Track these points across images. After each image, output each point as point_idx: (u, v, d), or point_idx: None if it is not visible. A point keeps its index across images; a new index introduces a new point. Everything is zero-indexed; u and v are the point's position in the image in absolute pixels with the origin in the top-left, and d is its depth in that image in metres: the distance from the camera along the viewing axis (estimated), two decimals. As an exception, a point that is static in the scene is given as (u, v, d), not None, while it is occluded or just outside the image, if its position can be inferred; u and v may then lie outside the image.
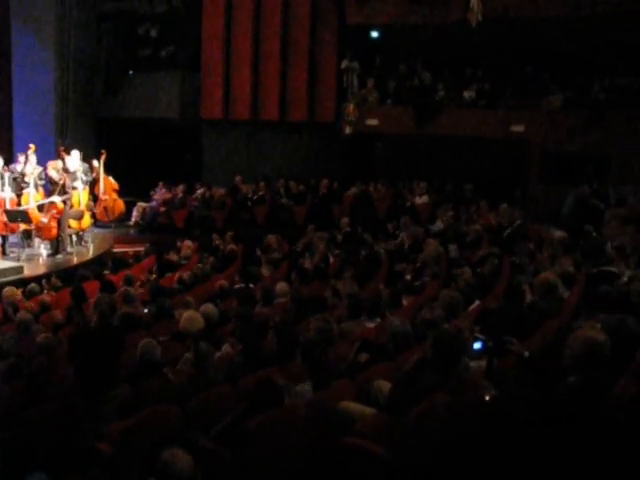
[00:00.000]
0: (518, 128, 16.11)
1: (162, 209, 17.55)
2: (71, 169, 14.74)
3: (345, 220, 14.36)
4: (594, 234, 10.95)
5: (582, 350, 3.84)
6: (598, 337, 3.93)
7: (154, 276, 12.60)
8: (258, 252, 12.85)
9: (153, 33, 19.28)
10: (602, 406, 3.69)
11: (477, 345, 4.39)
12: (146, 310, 9.09)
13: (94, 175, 15.76)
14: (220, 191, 17.68)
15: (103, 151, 16.10)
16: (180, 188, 17.78)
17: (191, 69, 19.09)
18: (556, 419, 3.54)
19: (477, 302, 7.52)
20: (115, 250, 15.87)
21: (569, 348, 3.90)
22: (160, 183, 18.05)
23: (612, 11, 14.55)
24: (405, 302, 7.94)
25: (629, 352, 4.49)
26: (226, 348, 6.90)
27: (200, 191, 17.77)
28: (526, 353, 4.49)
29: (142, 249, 14.79)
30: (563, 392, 3.80)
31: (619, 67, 16.23)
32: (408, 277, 9.14)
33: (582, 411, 3.59)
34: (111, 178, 16.44)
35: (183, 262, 13.19)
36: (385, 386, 4.85)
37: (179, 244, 14.16)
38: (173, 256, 13.52)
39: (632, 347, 4.51)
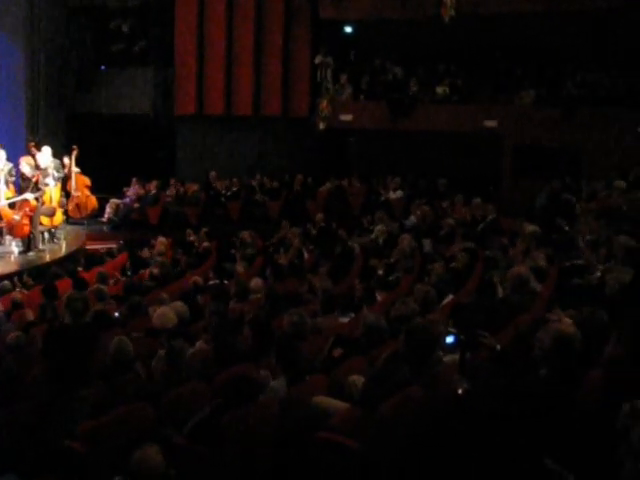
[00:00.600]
0: (491, 123, 16.22)
1: (135, 205, 17.44)
2: (42, 165, 14.58)
3: (319, 216, 14.37)
4: (566, 228, 11.04)
5: (552, 343, 3.88)
6: (568, 330, 3.97)
7: (128, 273, 12.55)
8: (232, 248, 12.81)
9: (125, 28, 19.12)
10: (572, 397, 3.73)
11: (449, 339, 4.41)
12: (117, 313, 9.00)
13: (66, 171, 15.61)
14: (194, 187, 17.60)
15: (74, 147, 15.97)
16: (153, 184, 17.68)
17: (164, 64, 18.98)
18: (526, 411, 3.57)
19: (450, 296, 7.56)
20: (88, 247, 15.74)
21: (540, 341, 3.93)
22: (133, 179, 17.92)
23: (582, 8, 14.68)
24: (379, 297, 7.96)
25: (599, 344, 4.53)
26: (200, 344, 6.88)
27: (173, 187, 17.67)
28: (498, 346, 4.52)
29: (115, 246, 14.70)
30: (534, 385, 3.83)
31: (590, 63, 16.39)
32: (381, 272, 9.15)
33: (552, 403, 3.62)
34: (83, 174, 16.30)
35: (157, 259, 13.12)
36: (359, 381, 4.85)
37: (153, 241, 14.09)
38: (146, 253, 13.45)
39: (602, 339, 4.55)
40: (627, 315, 4.66)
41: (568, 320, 4.53)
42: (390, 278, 8.79)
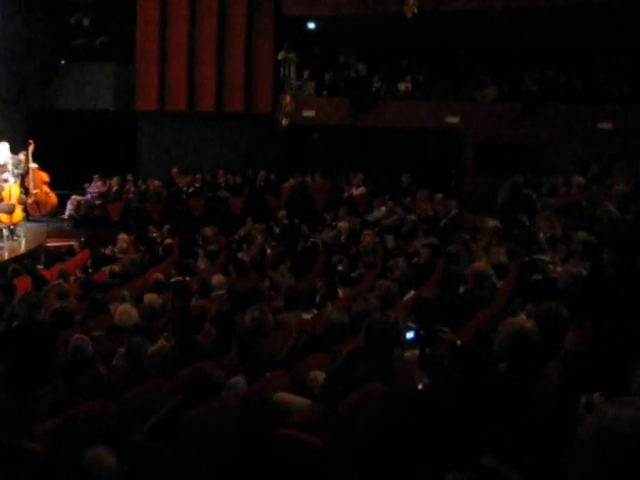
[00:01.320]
0: (453, 119, 16.33)
1: (97, 202, 17.25)
2: (0, 162, 14.35)
3: (282, 212, 14.35)
4: (527, 223, 11.14)
5: (511, 338, 3.91)
6: (526, 325, 4.01)
7: (89, 270, 12.41)
8: (195, 245, 12.75)
9: (86, 22, 18.84)
10: (530, 391, 3.77)
11: (410, 334, 4.43)
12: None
13: (24, 167, 15.39)
14: (156, 183, 17.45)
15: (30, 141, 15.71)
16: (115, 180, 17.49)
17: (125, 60, 18.76)
18: (485, 405, 3.60)
19: (412, 292, 7.59)
20: (48, 244, 15.53)
21: (499, 336, 3.97)
22: (95, 176, 17.72)
23: (541, 6, 14.84)
24: (342, 293, 7.97)
25: (558, 338, 4.58)
26: (161, 341, 6.84)
27: (132, 183, 17.51)
28: (458, 341, 4.55)
29: (76, 243, 14.53)
30: (492, 379, 3.86)
31: (550, 61, 16.59)
32: (342, 268, 9.16)
33: (511, 397, 3.65)
34: (41, 170, 16.08)
35: (119, 256, 13.00)
36: (320, 377, 4.86)
37: (115, 238, 13.96)
38: (108, 250, 13.32)
39: (560, 333, 4.61)
40: (585, 310, 4.72)
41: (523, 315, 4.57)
42: (352, 274, 8.81)
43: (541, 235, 9.60)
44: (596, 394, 2.93)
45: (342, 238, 11.48)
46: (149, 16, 18.23)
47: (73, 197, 17.46)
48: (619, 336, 3.92)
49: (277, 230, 13.35)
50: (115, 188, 17.37)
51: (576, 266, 6.29)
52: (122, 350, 6.17)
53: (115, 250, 13.36)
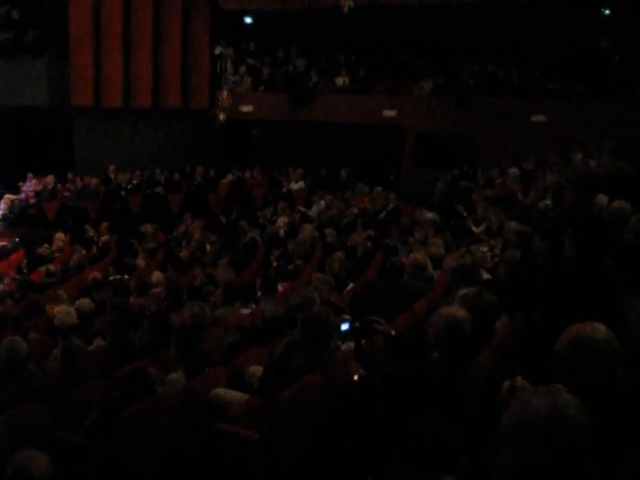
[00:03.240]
0: (390, 113, 16.47)
1: (32, 201, 16.87)
2: None
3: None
4: (464, 215, 11.31)
5: (443, 326, 3.96)
6: (458, 313, 4.06)
7: (24, 271, 12.17)
8: (133, 242, 12.59)
9: (15, 15, 18.35)
10: (463, 377, 3.83)
11: (344, 326, 4.46)
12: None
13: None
14: (93, 181, 17.15)
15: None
16: (49, 178, 17.12)
17: (59, 54, 18.32)
18: (419, 393, 3.65)
19: (351, 284, 7.64)
20: (-19, 245, 15.14)
21: (431, 325, 4.01)
22: (29, 174, 17.32)
23: (479, 2, 15.08)
24: (280, 287, 7.98)
25: (489, 325, 4.66)
26: (98, 341, 6.76)
27: (70, 181, 17.19)
28: (393, 332, 4.60)
29: (10, 243, 14.20)
30: (427, 367, 3.92)
31: (486, 54, 16.86)
32: (281, 263, 9.17)
33: (444, 384, 3.71)
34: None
35: (55, 255, 12.78)
36: (258, 371, 4.86)
37: (51, 238, 13.71)
38: (44, 250, 13.06)
39: (492, 321, 4.69)
40: (515, 298, 4.81)
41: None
42: (290, 268, 8.82)
43: (477, 226, 9.77)
44: (518, 378, 2.99)
45: (281, 233, 11.48)
46: (82, 10, 17.87)
47: (7, 196, 17.05)
48: (548, 323, 4.00)
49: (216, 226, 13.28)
50: (50, 186, 17.01)
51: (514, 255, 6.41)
52: (57, 351, 6.07)
53: (51, 250, 13.11)
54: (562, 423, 2.00)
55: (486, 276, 6.12)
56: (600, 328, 2.86)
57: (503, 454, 2.07)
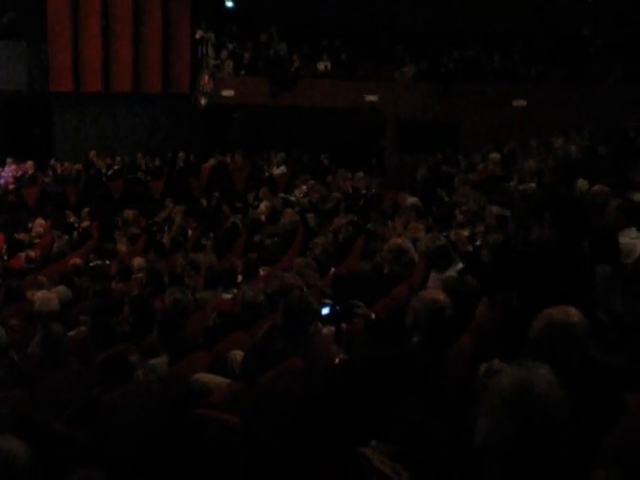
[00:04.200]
0: (372, 98, 16.45)
1: (11, 187, 16.72)
2: None
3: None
4: (446, 199, 11.36)
5: (424, 311, 3.98)
6: (438, 297, 4.08)
7: (4, 257, 12.10)
8: (115, 228, 12.55)
9: (-10, -2, 18.12)
10: (443, 362, 3.86)
11: (325, 310, 4.47)
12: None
13: None
14: (73, 166, 17.00)
15: None
16: (29, 164, 16.96)
17: (37, 38, 18.10)
18: (399, 377, 3.68)
19: (333, 269, 7.66)
20: (-40, 231, 15.00)
21: (411, 309, 4.04)
22: (8, 159, 17.15)
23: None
24: (262, 272, 7.98)
25: (470, 309, 4.70)
26: (80, 327, 6.74)
27: (51, 167, 17.05)
28: (373, 316, 4.62)
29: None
30: (406, 351, 3.94)
31: (467, 40, 16.87)
32: (263, 247, 9.14)
33: (424, 368, 3.74)
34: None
35: (35, 241, 12.71)
36: (240, 356, 4.87)
37: (30, 224, 13.62)
38: (24, 236, 12.98)
39: (472, 305, 4.72)
40: (495, 282, 4.84)
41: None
42: (272, 252, 8.81)
43: (458, 210, 9.81)
44: (496, 361, 3.02)
45: (263, 217, 11.48)
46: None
47: (-15, 182, 16.91)
48: (525, 306, 4.03)
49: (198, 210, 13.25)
50: (30, 172, 16.86)
51: (496, 238, 6.46)
52: (37, 338, 6.04)
53: (31, 236, 13.04)
54: (530, 396, 2.04)
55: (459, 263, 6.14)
56: (572, 312, 2.89)
57: (479, 426, 2.11)
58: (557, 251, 4.06)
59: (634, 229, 6.10)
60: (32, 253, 10.77)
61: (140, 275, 8.63)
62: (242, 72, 17.45)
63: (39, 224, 13.34)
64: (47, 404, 4.87)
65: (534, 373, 2.09)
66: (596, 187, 7.12)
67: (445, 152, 14.88)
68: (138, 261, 9.25)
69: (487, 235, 7.33)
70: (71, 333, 6.41)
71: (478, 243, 7.88)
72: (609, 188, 6.97)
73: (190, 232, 11.73)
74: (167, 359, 5.15)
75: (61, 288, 7.60)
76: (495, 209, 7.96)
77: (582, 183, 7.92)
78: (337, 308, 4.46)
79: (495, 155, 12.85)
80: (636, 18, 15.01)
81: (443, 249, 6.06)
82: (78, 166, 16.96)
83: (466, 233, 8.43)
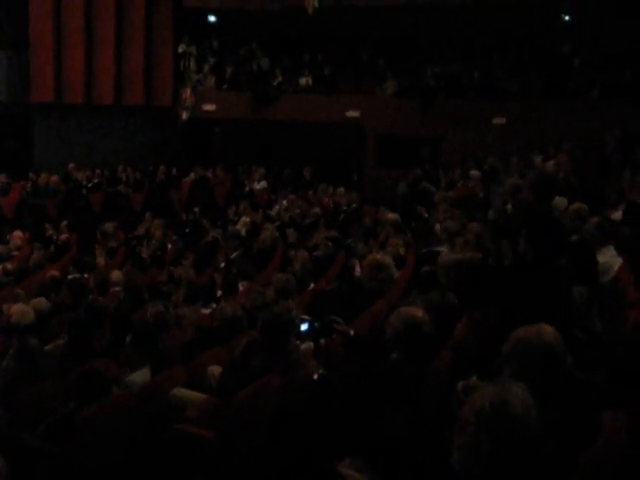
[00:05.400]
0: (353, 113, 16.52)
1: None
2: None
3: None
4: (426, 215, 11.38)
5: (402, 327, 3.98)
6: (417, 314, 4.09)
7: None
8: (94, 241, 12.47)
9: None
10: (421, 378, 3.86)
11: (304, 326, 4.47)
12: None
13: None
14: (52, 178, 16.87)
15: None
16: (3, 176, 16.77)
17: (18, 48, 18.00)
18: (377, 393, 3.68)
19: (312, 285, 7.65)
20: None
21: (390, 326, 4.04)
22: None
23: (443, 4, 15.20)
24: (241, 287, 7.96)
25: (450, 327, 4.71)
26: (57, 341, 6.68)
27: (31, 179, 16.91)
28: (351, 332, 4.62)
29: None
30: (385, 367, 3.94)
31: (448, 56, 17.01)
32: (243, 262, 9.14)
33: (402, 384, 3.74)
34: None
35: (13, 253, 12.59)
36: (218, 371, 4.85)
37: (8, 236, 13.50)
38: (1, 248, 12.86)
39: (452, 322, 4.74)
40: (473, 299, 4.86)
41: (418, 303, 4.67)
42: (253, 268, 8.80)
43: (438, 227, 9.84)
44: (473, 378, 3.03)
45: (243, 232, 11.46)
46: (43, 3, 17.56)
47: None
48: (505, 324, 4.05)
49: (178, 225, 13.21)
50: (5, 183, 16.63)
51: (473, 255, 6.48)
52: (13, 351, 5.98)
53: (9, 248, 12.91)
54: (505, 415, 2.04)
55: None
56: (545, 330, 2.90)
57: (456, 443, 2.11)
58: (534, 269, 4.08)
59: (611, 247, 6.15)
60: (9, 265, 10.66)
61: (118, 289, 8.57)
62: (224, 86, 17.47)
63: (17, 236, 13.21)
64: (23, 418, 4.83)
65: (509, 392, 2.10)
66: (574, 205, 7.18)
67: (425, 168, 14.94)
68: (116, 275, 9.19)
69: (466, 252, 7.37)
70: (49, 347, 6.36)
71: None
72: (586, 206, 7.03)
73: (170, 246, 11.69)
74: (145, 373, 5.12)
75: (40, 300, 7.52)
76: (474, 226, 7.98)
77: (560, 201, 7.98)
78: (316, 324, 4.45)
79: (475, 172, 12.90)
80: (614, 34, 15.22)
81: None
82: (55, 178, 16.81)
83: (444, 249, 8.46)
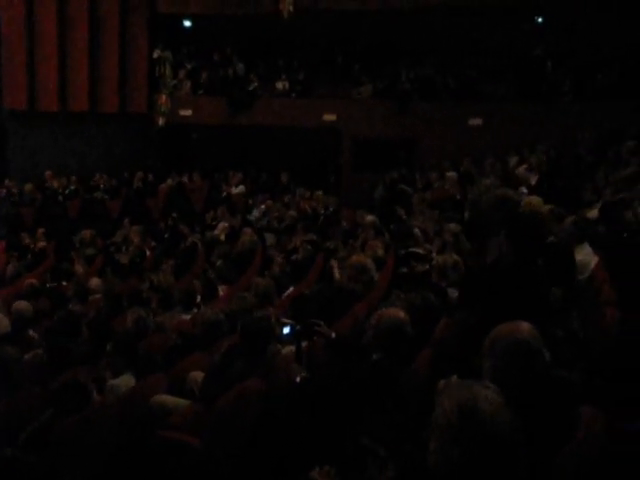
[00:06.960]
0: (330, 117, 16.57)
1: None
2: None
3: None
4: (404, 217, 11.44)
5: (383, 328, 4.00)
6: (398, 315, 4.11)
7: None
8: (71, 249, 12.39)
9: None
10: (402, 378, 3.88)
11: (286, 330, 4.48)
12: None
13: None
14: (28, 186, 16.71)
15: None
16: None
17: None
18: (359, 394, 3.69)
19: (291, 288, 7.66)
20: None
21: (371, 327, 4.05)
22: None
23: (418, 6, 15.28)
24: (221, 292, 7.95)
25: (430, 327, 4.74)
26: (36, 350, 6.62)
27: (6, 187, 16.76)
28: (333, 334, 4.63)
29: None
30: (366, 369, 3.95)
31: (423, 59, 17.10)
32: (222, 267, 9.11)
33: (383, 385, 3.75)
34: None
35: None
36: (200, 377, 4.84)
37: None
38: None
39: (433, 322, 4.77)
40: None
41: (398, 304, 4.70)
42: (231, 272, 8.79)
43: (416, 228, 9.89)
44: (453, 377, 3.05)
45: (221, 237, 11.44)
46: (14, 8, 17.36)
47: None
48: (485, 323, 4.08)
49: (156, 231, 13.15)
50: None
51: (450, 256, 6.53)
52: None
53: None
54: (474, 417, 2.02)
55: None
56: (522, 327, 2.92)
57: (430, 448, 2.11)
58: (513, 268, 4.11)
59: (587, 246, 6.22)
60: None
61: (97, 296, 8.53)
62: (200, 92, 17.44)
63: (-8, 245, 13.13)
64: (1, 429, 4.78)
65: (478, 394, 2.07)
66: (549, 205, 7.25)
67: (401, 171, 14.99)
68: (95, 282, 9.14)
69: (447, 252, 7.42)
70: (28, 356, 6.30)
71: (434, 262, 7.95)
72: (562, 206, 7.10)
73: (148, 252, 11.64)
74: (126, 380, 5.10)
75: (21, 304, 7.46)
76: (452, 227, 8.04)
77: (536, 201, 8.05)
78: (297, 327, 4.46)
79: (452, 174, 12.98)
80: (587, 37, 15.38)
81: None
82: (30, 186, 16.65)
83: (422, 251, 8.50)
